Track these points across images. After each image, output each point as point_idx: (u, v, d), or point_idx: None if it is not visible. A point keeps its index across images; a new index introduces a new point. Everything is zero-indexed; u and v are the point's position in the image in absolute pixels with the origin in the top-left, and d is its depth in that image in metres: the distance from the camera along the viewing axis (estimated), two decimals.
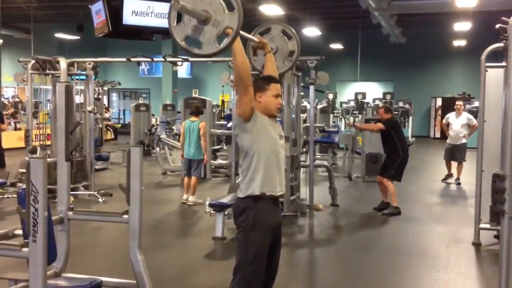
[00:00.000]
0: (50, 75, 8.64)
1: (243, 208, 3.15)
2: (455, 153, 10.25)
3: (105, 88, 19.27)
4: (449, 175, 10.52)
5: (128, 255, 3.47)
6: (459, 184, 10.24)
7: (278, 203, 3.30)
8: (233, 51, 2.96)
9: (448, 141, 10.44)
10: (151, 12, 8.04)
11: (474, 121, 9.96)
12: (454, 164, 10.43)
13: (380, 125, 7.71)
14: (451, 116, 10.39)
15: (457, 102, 10.66)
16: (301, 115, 8.98)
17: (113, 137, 19.68)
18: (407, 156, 7.70)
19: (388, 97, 20.11)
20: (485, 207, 5.70)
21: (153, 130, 14.13)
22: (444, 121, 10.71)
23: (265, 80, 3.30)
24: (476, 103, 14.08)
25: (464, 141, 10.19)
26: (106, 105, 22.67)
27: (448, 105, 18.52)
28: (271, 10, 15.70)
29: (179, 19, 2.82)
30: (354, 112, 19.35)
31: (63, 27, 21.02)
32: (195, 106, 8.61)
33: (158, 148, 12.37)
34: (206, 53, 2.80)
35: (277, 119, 3.42)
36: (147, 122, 14.99)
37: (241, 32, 3.22)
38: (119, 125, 23.10)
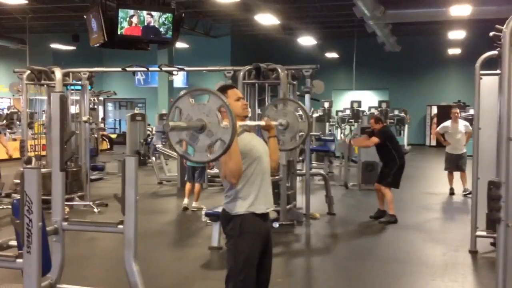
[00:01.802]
0: (45, 85, 8.62)
1: (231, 217, 3.14)
2: (459, 163, 9.83)
3: (101, 98, 19.29)
4: (452, 188, 10.00)
5: (123, 266, 3.45)
6: (469, 194, 8.49)
7: (266, 217, 3.23)
8: (228, 153, 2.77)
9: (450, 151, 9.92)
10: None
11: (470, 128, 9.92)
12: (455, 175, 10.02)
13: (375, 140, 7.67)
14: (450, 126, 9.86)
15: (453, 110, 10.10)
16: None
17: (108, 147, 19.64)
18: (403, 163, 7.70)
19: (384, 105, 20.04)
20: (481, 215, 5.70)
21: (149, 139, 14.11)
22: (439, 130, 10.13)
23: (221, 91, 3.17)
24: (471, 111, 14.05)
25: (465, 150, 9.83)
26: (102, 115, 22.67)
27: (444, 113, 18.55)
28: (266, 20, 15.73)
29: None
30: (350, 120, 19.37)
31: (59, 37, 21.05)
32: None
33: (154, 158, 12.34)
34: (198, 160, 2.79)
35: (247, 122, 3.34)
36: (143, 132, 14.94)
37: (249, 122, 3.34)
38: (115, 135, 23.05)
